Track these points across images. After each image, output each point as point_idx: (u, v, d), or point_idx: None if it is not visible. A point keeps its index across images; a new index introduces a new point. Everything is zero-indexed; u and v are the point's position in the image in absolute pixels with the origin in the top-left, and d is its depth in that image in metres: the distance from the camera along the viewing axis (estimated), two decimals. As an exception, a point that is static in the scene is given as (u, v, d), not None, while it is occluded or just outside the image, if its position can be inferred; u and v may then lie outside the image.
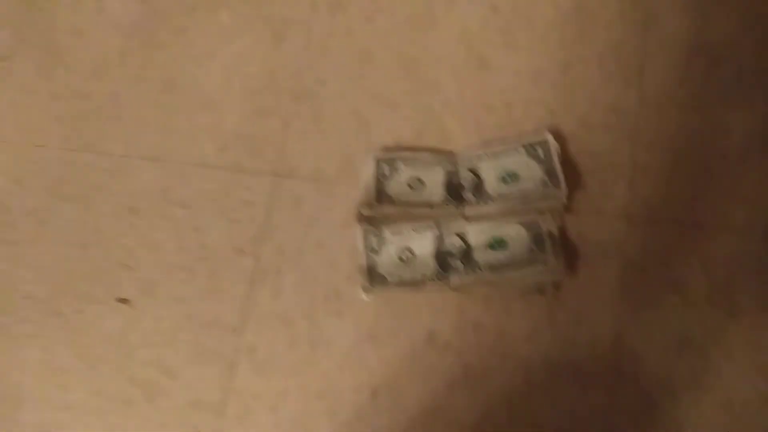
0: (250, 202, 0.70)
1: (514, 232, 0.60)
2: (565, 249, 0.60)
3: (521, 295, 0.60)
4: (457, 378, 0.60)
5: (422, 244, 0.62)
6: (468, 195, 0.63)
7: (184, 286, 0.68)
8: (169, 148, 0.72)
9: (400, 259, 0.62)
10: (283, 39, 0.73)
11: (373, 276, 0.62)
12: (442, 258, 0.62)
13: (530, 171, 0.61)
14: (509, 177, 0.62)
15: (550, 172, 0.61)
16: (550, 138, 0.62)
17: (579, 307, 0.59)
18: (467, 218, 0.63)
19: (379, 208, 0.64)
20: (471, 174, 0.63)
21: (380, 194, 0.64)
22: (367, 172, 0.66)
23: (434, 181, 0.64)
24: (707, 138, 0.60)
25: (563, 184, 0.60)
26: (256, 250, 0.68)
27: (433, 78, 0.69)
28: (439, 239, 0.62)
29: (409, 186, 0.64)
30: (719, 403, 0.55)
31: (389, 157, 0.66)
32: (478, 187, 0.63)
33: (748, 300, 0.56)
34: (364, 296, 0.62)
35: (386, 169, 0.65)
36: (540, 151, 0.62)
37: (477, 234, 0.62)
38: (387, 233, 0.63)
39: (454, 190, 0.63)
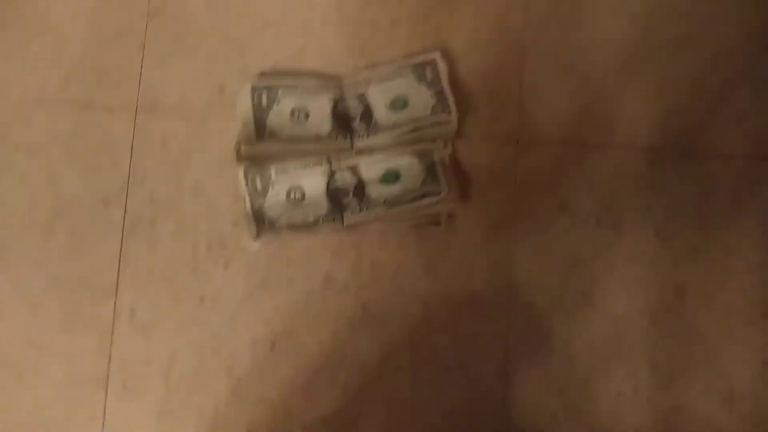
0: (109, 144, 0.63)
1: (407, 163, 0.58)
2: (457, 176, 0.57)
3: (416, 228, 0.57)
4: (357, 319, 0.59)
5: (312, 181, 0.59)
6: (357, 125, 0.60)
7: (42, 247, 0.61)
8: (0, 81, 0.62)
9: (289, 199, 0.58)
10: (123, -55, 0.61)
11: (260, 221, 0.58)
12: (334, 195, 0.59)
13: (420, 96, 0.58)
14: (398, 103, 0.59)
15: (439, 97, 0.60)
16: (439, 58, 0.58)
17: (474, 236, 0.58)
18: (358, 151, 0.60)
19: (261, 145, 0.59)
20: (358, 101, 0.59)
21: (260, 128, 0.59)
22: (243, 103, 0.60)
23: (320, 111, 0.60)
24: (591, 54, 0.59)
25: (454, 110, 0.59)
26: (124, 200, 0.61)
27: (306, -8, 0.61)
28: (330, 175, 0.59)
29: (293, 117, 0.59)
30: (604, 318, 0.58)
31: (267, 85, 0.61)
32: (367, 115, 0.60)
33: (632, 216, 0.58)
34: (252, 244, 0.57)
35: (265, 99, 0.60)
36: (428, 73, 0.59)
37: (369, 167, 0.59)
38: (272, 172, 0.59)
39: (341, 121, 0.59)
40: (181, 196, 0.62)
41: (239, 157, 0.61)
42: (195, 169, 0.62)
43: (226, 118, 0.62)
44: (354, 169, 0.60)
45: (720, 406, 0.58)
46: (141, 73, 0.64)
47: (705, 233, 0.59)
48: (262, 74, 0.63)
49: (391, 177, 0.60)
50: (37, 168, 0.63)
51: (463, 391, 0.59)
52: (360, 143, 0.60)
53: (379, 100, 0.60)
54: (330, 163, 0.60)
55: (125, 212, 0.62)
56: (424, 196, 0.59)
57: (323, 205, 0.60)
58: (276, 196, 0.60)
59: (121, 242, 0.62)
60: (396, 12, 0.62)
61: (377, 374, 0.60)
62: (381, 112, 0.60)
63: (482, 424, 0.59)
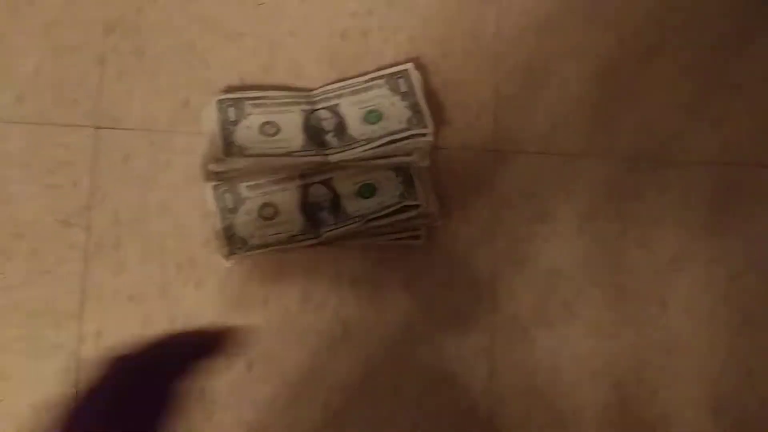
0: (68, 162, 0.61)
1: (383, 177, 0.58)
2: (436, 189, 0.56)
3: (396, 243, 0.56)
4: (337, 337, 0.59)
5: (285, 197, 0.58)
6: (330, 138, 0.61)
7: (0, 272, 0.57)
8: None
9: (262, 216, 0.56)
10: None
11: (232, 240, 0.57)
12: (308, 211, 0.60)
13: (395, 108, 0.59)
14: (373, 116, 0.59)
15: (414, 109, 0.61)
16: (412, 68, 0.58)
17: (454, 249, 0.58)
18: (332, 166, 0.61)
19: (230, 162, 0.57)
20: (331, 113, 0.58)
21: (228, 144, 0.58)
22: (209, 118, 0.59)
23: (291, 125, 0.60)
24: (565, 63, 0.59)
25: (430, 123, 0.61)
26: (86, 220, 0.60)
27: (274, 1, 0.60)
28: (304, 190, 0.57)
29: (262, 132, 0.57)
30: (588, 330, 0.58)
31: (234, 98, 0.60)
32: (341, 128, 0.60)
33: (612, 225, 0.58)
34: (225, 263, 0.55)
35: (232, 113, 0.59)
36: (402, 84, 0.59)
37: (344, 181, 0.60)
38: (243, 189, 0.57)
39: (314, 134, 0.59)
40: (146, 215, 0.61)
41: (207, 176, 0.59)
42: (161, 186, 0.61)
43: (192, 133, 0.61)
44: (328, 183, 0.59)
45: (706, 415, 0.58)
46: (100, 89, 0.61)
47: (685, 241, 0.60)
48: (229, 88, 0.61)
49: (367, 191, 0.59)
50: (-9, 188, 0.60)
51: (447, 408, 0.59)
52: (334, 157, 0.60)
53: (352, 112, 0.60)
54: (303, 177, 0.58)
55: (88, 233, 0.60)
56: (402, 210, 0.57)
57: (297, 222, 0.59)
58: (247, 214, 0.59)
59: (85, 264, 0.60)
60: (366, 22, 0.61)
61: (358, 393, 0.59)
62: (355, 125, 0.60)
63: (467, 442, 0.58)
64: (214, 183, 0.60)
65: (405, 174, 0.60)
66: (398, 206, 0.59)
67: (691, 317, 0.59)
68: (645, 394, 0.59)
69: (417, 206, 0.59)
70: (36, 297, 0.61)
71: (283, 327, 0.60)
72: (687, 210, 0.60)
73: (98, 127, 0.62)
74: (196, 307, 0.61)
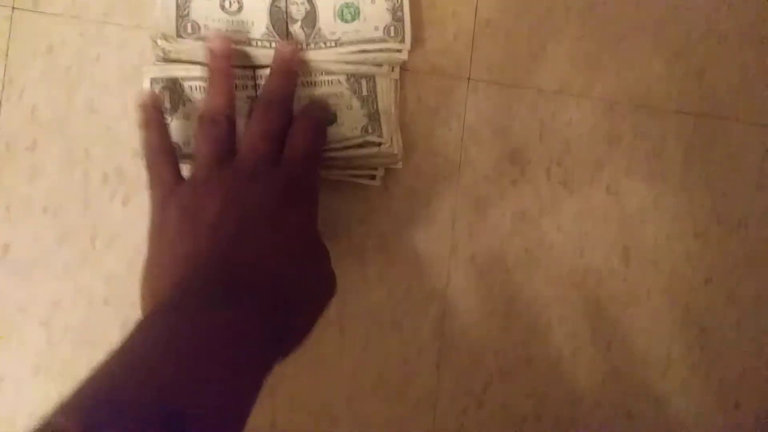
0: None
1: (345, 105, 0.54)
2: (401, 117, 0.54)
3: (350, 181, 0.54)
4: None
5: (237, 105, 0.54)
6: (296, 29, 0.57)
7: None
8: None
9: (223, 8, 0.56)
10: None
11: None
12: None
13: (374, 7, 0.57)
14: (349, 12, 0.57)
15: (395, 13, 0.57)
16: None
17: (416, 184, 0.56)
18: None
19: (179, 44, 0.54)
20: None
21: (183, 20, 0.55)
22: None
23: (256, 2, 0.56)
24: None
25: (408, 37, 0.57)
26: None
27: None
28: (253, 102, 0.53)
29: (222, 7, 0.55)
30: (547, 278, 0.58)
31: None
32: (310, 20, 0.57)
33: (583, 170, 0.57)
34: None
35: None
36: None
37: (300, 100, 0.54)
38: (185, 87, 0.56)
39: (279, 20, 0.56)
40: (69, 115, 0.56)
41: (155, 49, 0.54)
42: (88, 84, 0.56)
43: (129, 27, 0.56)
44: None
45: (655, 373, 0.60)
46: (21, -38, 0.55)
47: (655, 193, 0.60)
48: None
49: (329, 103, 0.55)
50: None
51: (394, 351, 0.58)
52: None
53: (326, 2, 0.56)
54: (256, 88, 0.54)
55: (-2, 130, 0.54)
56: (362, 145, 0.55)
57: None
58: (186, 118, 0.55)
59: (-7, 166, 0.54)
60: None
61: (299, 331, 0.56)
62: (327, 19, 0.56)
63: (414, 386, 0.58)
64: (152, 76, 0.54)
65: (371, 105, 0.56)
66: (360, 140, 0.56)
67: (652, 271, 0.60)
68: (598, 346, 0.60)
69: (379, 144, 0.56)
70: (-69, 200, 0.55)
71: (221, 254, 0.58)
72: (660, 160, 0.60)
73: (16, 8, 0.56)
74: (122, 225, 0.57)
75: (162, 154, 0.50)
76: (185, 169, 0.54)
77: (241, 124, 0.54)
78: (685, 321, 0.61)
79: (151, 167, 0.49)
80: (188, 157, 0.54)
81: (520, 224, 0.59)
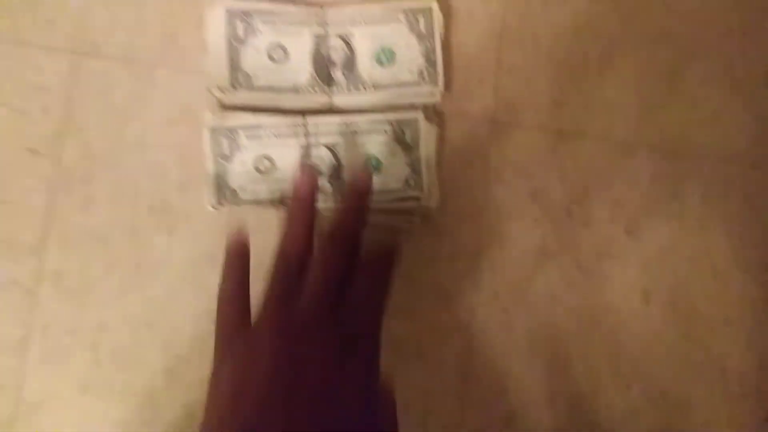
0: (41, 87, 0.62)
1: (389, 152, 0.62)
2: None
3: (385, 225, 0.60)
4: None
5: (284, 153, 0.63)
6: (337, 75, 0.63)
7: None
8: None
9: (257, 169, 0.61)
10: None
11: (222, 189, 0.59)
12: None
13: (409, 50, 0.63)
14: (385, 55, 0.63)
15: (429, 57, 0.62)
16: (436, 8, 0.62)
17: (442, 220, 0.61)
18: (336, 110, 0.63)
19: (234, 94, 0.62)
20: (342, 42, 0.63)
21: (234, 68, 0.62)
22: (215, 31, 0.62)
23: (300, 51, 0.63)
24: (572, 40, 0.65)
25: (441, 80, 0.62)
26: (55, 151, 0.62)
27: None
28: (305, 150, 0.60)
29: (270, 57, 0.62)
30: (569, 314, 0.62)
31: (245, 9, 0.62)
32: (350, 64, 0.63)
33: (603, 210, 0.61)
34: (209, 210, 0.60)
35: (241, 29, 0.62)
36: (422, 23, 0.63)
37: (350, 150, 0.63)
38: (243, 138, 0.60)
39: (322, 66, 0.63)
40: (121, 151, 0.62)
41: (211, 103, 0.61)
42: (139, 122, 0.63)
43: (177, 70, 0.63)
44: (332, 148, 0.61)
45: (679, 414, 0.62)
46: (83, 12, 0.62)
47: (674, 234, 0.63)
48: None
49: (372, 162, 0.61)
50: (-45, 107, 0.61)
51: (418, 383, 0.62)
52: (339, 100, 0.63)
53: (364, 46, 0.62)
54: (307, 135, 0.60)
55: (56, 165, 0.61)
56: (403, 198, 0.62)
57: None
58: (243, 165, 0.61)
59: (50, 197, 0.61)
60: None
61: (327, 359, 0.61)
62: (365, 63, 0.63)
63: (436, 417, 0.61)
64: (212, 126, 0.61)
65: (414, 156, 0.62)
66: (401, 195, 0.62)
67: (671, 311, 0.64)
68: (618, 386, 0.63)
69: (418, 198, 0.61)
70: (-6, 227, 0.62)
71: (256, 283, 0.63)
72: (678, 202, 0.64)
73: (77, 53, 0.63)
74: (165, 254, 0.62)
75: (235, 299, 0.50)
76: (230, 210, 0.60)
77: (291, 171, 0.61)
78: (706, 362, 0.64)
79: (221, 307, 0.50)
80: (242, 202, 0.62)
81: (541, 262, 0.63)
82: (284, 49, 0.63)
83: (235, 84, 0.61)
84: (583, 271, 0.63)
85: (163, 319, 0.62)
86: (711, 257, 0.64)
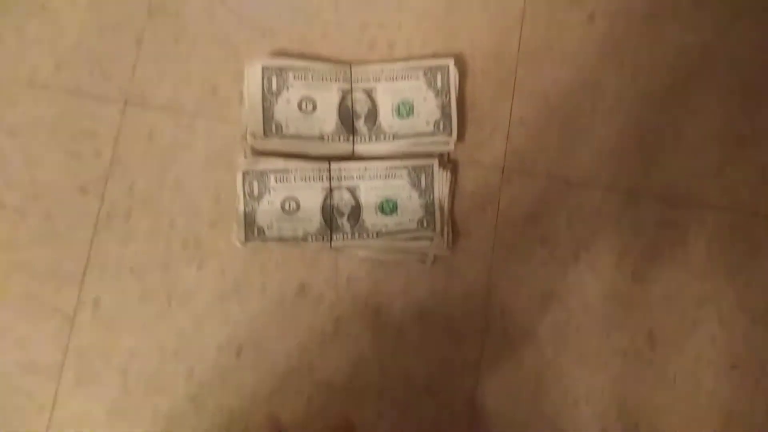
0: (93, 132, 0.69)
1: (406, 195, 0.67)
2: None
3: (401, 261, 0.64)
4: (328, 333, 0.65)
5: (309, 195, 0.68)
6: (360, 125, 0.69)
7: (11, 229, 0.67)
8: None
9: (283, 209, 0.66)
10: (137, -60, 0.69)
11: (250, 227, 0.64)
12: (328, 214, 0.68)
13: (426, 105, 0.69)
14: (405, 109, 0.69)
15: (444, 110, 0.68)
16: (452, 66, 0.69)
17: (454, 261, 0.65)
18: (357, 157, 0.69)
19: (266, 141, 0.68)
20: (366, 96, 0.69)
21: (267, 118, 0.69)
22: (252, 85, 0.69)
23: (328, 103, 0.69)
24: (579, 95, 0.70)
25: (455, 132, 0.68)
26: (102, 190, 0.68)
27: (309, 4, 0.69)
28: (329, 192, 0.65)
29: (300, 109, 0.69)
30: (575, 355, 0.64)
31: (278, 66, 0.69)
32: (372, 116, 0.69)
33: (609, 256, 0.64)
34: (238, 246, 0.67)
35: (275, 83, 0.69)
36: (439, 80, 0.69)
37: (369, 192, 0.68)
38: (271, 179, 0.65)
39: (346, 117, 0.69)
40: (161, 191, 0.68)
41: (244, 150, 0.68)
42: (178, 166, 0.69)
43: (215, 119, 0.69)
44: (353, 191, 0.66)
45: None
46: (135, 67, 0.70)
47: (679, 280, 0.66)
48: (273, 53, 0.71)
49: (388, 207, 0.66)
50: (17, 149, 0.69)
51: (429, 416, 0.64)
52: (361, 147, 0.68)
53: (386, 100, 0.69)
54: (330, 179, 0.66)
55: (102, 202, 0.67)
56: (417, 238, 0.66)
57: (316, 222, 0.67)
58: (270, 204, 0.66)
59: (94, 231, 0.67)
60: (394, 34, 0.71)
61: (344, 391, 0.65)
62: (386, 115, 0.69)
63: (443, 449, 0.64)
64: (244, 168, 0.67)
65: (428, 198, 0.67)
66: (415, 234, 0.67)
67: (677, 355, 0.65)
68: (626, 427, 0.65)
69: (431, 238, 0.66)
70: (43, 258, 0.68)
71: (277, 317, 0.67)
72: (684, 249, 0.67)
73: (127, 103, 0.70)
74: (194, 287, 0.67)
75: None
76: (256, 247, 0.65)
77: (316, 218, 0.67)
78: (712, 405, 0.65)
79: None
80: (268, 239, 0.67)
81: (549, 303, 0.66)
82: (313, 102, 0.69)
83: (267, 132, 0.68)
84: (590, 314, 0.66)
85: (189, 348, 0.66)
86: (716, 303, 0.66)
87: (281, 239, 0.67)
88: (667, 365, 0.65)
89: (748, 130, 0.69)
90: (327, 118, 0.69)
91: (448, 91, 0.68)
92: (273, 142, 0.68)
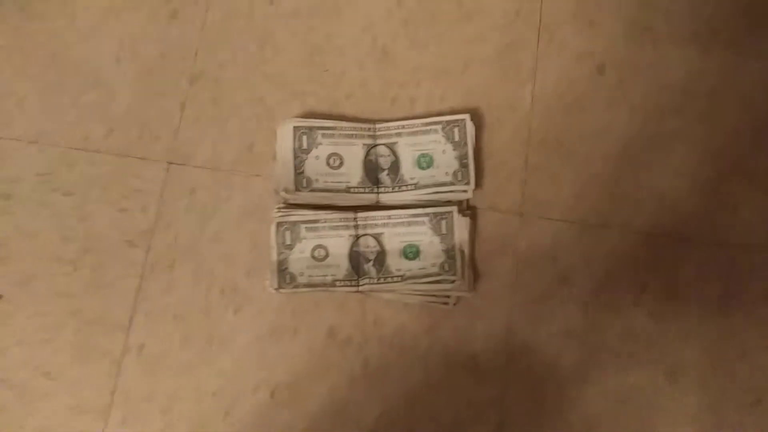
0: (140, 190, 0.75)
1: (428, 241, 0.72)
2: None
3: (425, 304, 0.68)
4: (357, 373, 0.68)
5: (337, 242, 0.73)
6: (384, 177, 0.74)
7: (66, 280, 0.72)
8: (50, 130, 0.77)
9: (313, 257, 0.71)
10: (178, 16, 0.77)
11: (283, 274, 0.69)
12: (355, 259, 0.72)
13: (445, 156, 0.74)
14: (425, 161, 0.74)
15: (462, 161, 0.74)
16: (468, 120, 0.74)
17: (476, 302, 0.68)
18: (382, 206, 0.74)
19: (297, 195, 0.74)
20: (389, 150, 0.74)
21: (298, 173, 0.75)
22: (284, 144, 0.75)
23: (353, 159, 0.75)
24: (592, 141, 0.74)
25: (472, 180, 0.73)
26: (147, 242, 0.73)
27: (337, 67, 0.75)
28: (354, 240, 0.70)
29: (328, 164, 0.74)
30: (598, 392, 0.65)
31: (308, 126, 0.75)
32: (395, 168, 0.75)
33: (627, 295, 0.67)
34: (272, 293, 0.72)
35: (305, 141, 0.75)
36: (457, 133, 0.73)
37: (392, 238, 0.73)
38: (302, 229, 0.70)
39: (371, 170, 0.75)
40: (201, 242, 0.74)
41: (277, 202, 0.74)
42: (218, 218, 0.75)
43: (251, 175, 0.75)
44: (378, 237, 0.71)
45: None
46: (178, 130, 0.77)
47: (698, 317, 0.68)
48: (304, 115, 0.77)
49: (411, 252, 0.71)
50: (72, 206, 0.76)
51: (454, 453, 0.66)
52: (385, 197, 0.74)
53: (407, 153, 0.74)
54: (357, 227, 0.71)
55: (148, 253, 0.73)
56: (440, 281, 0.70)
57: (343, 267, 0.72)
58: (301, 252, 0.72)
59: (140, 281, 0.73)
60: (414, 91, 0.76)
61: (372, 430, 0.68)
62: (408, 167, 0.74)
63: (469, 485, 0.66)
64: (278, 219, 0.73)
65: (449, 243, 0.72)
66: (437, 278, 0.71)
67: (698, 391, 0.67)
68: (651, 464, 0.66)
69: (453, 281, 0.71)
70: (93, 306, 0.74)
71: (309, 359, 0.71)
72: (701, 287, 0.69)
73: (171, 163, 0.77)
74: (232, 331, 0.73)
75: None
76: (301, 292, 0.70)
77: (344, 264, 0.72)
78: (738, 441, 0.66)
79: None
80: (300, 285, 0.72)
81: (569, 341, 0.69)
82: (340, 158, 0.75)
83: (298, 186, 0.74)
84: (608, 351, 0.68)
85: (227, 389, 0.71)
86: (736, 338, 0.67)
87: (312, 285, 0.72)
88: (689, 401, 0.67)
89: (757, 168, 0.71)
90: (353, 172, 0.74)
91: (465, 144, 0.73)
92: (304, 195, 0.74)
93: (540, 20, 0.77)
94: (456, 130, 0.74)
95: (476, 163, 0.73)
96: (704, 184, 0.71)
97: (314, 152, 0.75)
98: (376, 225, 0.73)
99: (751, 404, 0.66)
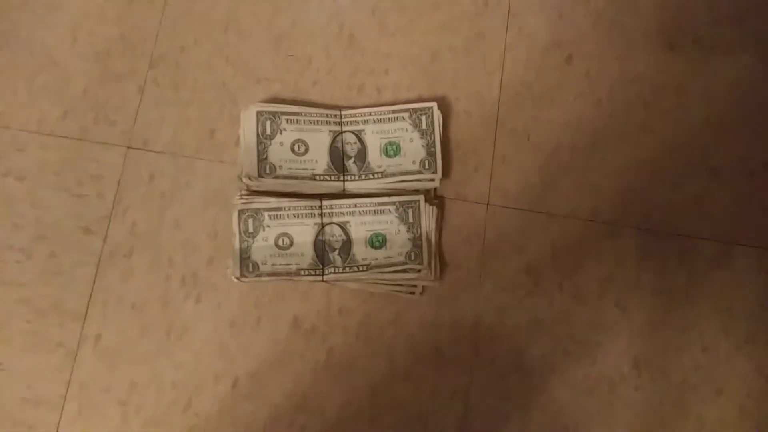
0: (97, 175, 0.74)
1: (395, 230, 0.72)
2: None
3: (391, 293, 0.68)
4: (321, 364, 0.68)
5: (302, 231, 0.72)
6: (350, 164, 0.74)
7: (17, 268, 0.70)
8: (1, 112, 0.73)
9: (277, 245, 0.70)
10: (141, -3, 0.76)
11: (246, 263, 0.68)
12: (320, 248, 0.72)
13: (412, 145, 0.74)
14: (392, 149, 0.74)
15: (429, 149, 0.74)
16: (435, 108, 0.75)
17: (442, 291, 0.68)
18: (348, 194, 0.74)
19: (260, 182, 0.74)
20: (356, 138, 0.74)
21: (262, 159, 0.74)
22: (248, 129, 0.74)
23: (318, 145, 0.75)
24: (559, 132, 0.75)
25: (439, 169, 0.73)
26: (105, 229, 0.73)
27: (302, 54, 0.75)
28: (320, 228, 0.69)
29: (293, 150, 0.73)
30: (562, 383, 0.66)
31: (272, 111, 0.75)
32: (361, 156, 0.75)
33: (593, 285, 0.68)
34: (234, 282, 0.71)
35: (269, 127, 0.74)
36: (424, 121, 0.74)
37: (358, 226, 0.72)
38: (265, 217, 0.69)
39: (337, 157, 0.74)
40: (160, 230, 0.73)
41: (240, 190, 0.74)
42: (178, 205, 0.74)
43: (213, 161, 0.74)
44: (344, 226, 0.71)
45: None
46: (137, 114, 0.75)
47: (662, 308, 0.70)
48: (266, 101, 0.76)
49: (377, 241, 0.71)
50: (24, 192, 0.74)
51: (418, 444, 0.67)
52: (351, 185, 0.74)
53: (374, 141, 0.75)
54: (322, 215, 0.71)
55: (105, 241, 0.72)
56: (406, 270, 0.71)
57: (308, 256, 0.71)
58: (265, 240, 0.71)
59: (97, 269, 0.71)
60: (381, 80, 0.77)
61: (336, 420, 0.68)
62: (375, 154, 0.74)
63: (434, 475, 0.66)
64: (240, 207, 0.72)
65: (416, 232, 0.72)
66: (403, 267, 0.72)
67: (662, 381, 0.68)
68: (615, 454, 0.68)
69: (419, 270, 0.71)
70: (47, 295, 0.72)
71: (272, 349, 0.71)
72: (665, 278, 0.71)
73: (130, 147, 0.76)
74: (193, 320, 0.72)
75: None
76: (264, 281, 0.70)
77: (308, 253, 0.71)
78: (699, 431, 0.67)
79: None
80: (263, 274, 0.71)
81: (535, 331, 0.70)
82: (305, 144, 0.75)
83: (262, 173, 0.73)
84: (575, 341, 0.69)
85: (187, 380, 0.70)
86: (699, 329, 0.69)
87: (275, 274, 0.71)
88: (653, 391, 0.68)
89: (721, 163, 0.73)
90: (318, 159, 0.74)
91: (433, 132, 0.74)
92: (267, 182, 0.73)
93: (509, 10, 0.78)
94: (423, 118, 0.74)
95: (444, 152, 0.73)
96: (668, 177, 0.73)
97: (278, 138, 0.74)
98: (342, 213, 0.73)
99: (713, 394, 0.68)
